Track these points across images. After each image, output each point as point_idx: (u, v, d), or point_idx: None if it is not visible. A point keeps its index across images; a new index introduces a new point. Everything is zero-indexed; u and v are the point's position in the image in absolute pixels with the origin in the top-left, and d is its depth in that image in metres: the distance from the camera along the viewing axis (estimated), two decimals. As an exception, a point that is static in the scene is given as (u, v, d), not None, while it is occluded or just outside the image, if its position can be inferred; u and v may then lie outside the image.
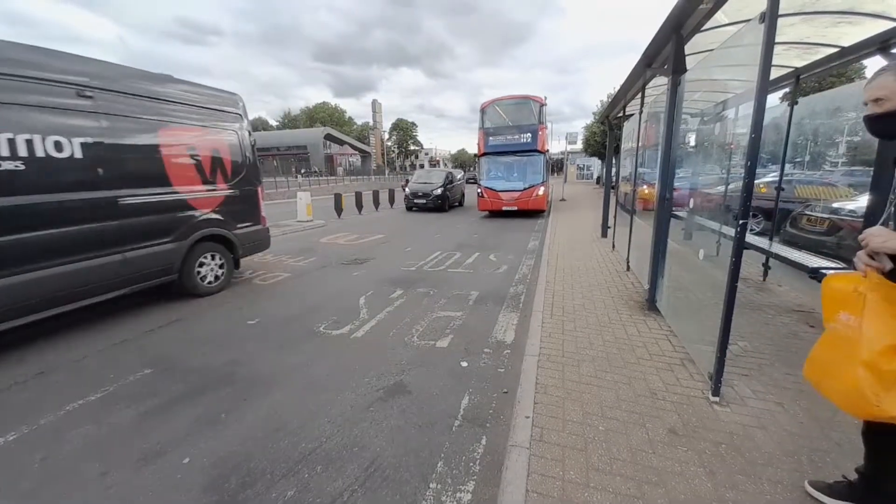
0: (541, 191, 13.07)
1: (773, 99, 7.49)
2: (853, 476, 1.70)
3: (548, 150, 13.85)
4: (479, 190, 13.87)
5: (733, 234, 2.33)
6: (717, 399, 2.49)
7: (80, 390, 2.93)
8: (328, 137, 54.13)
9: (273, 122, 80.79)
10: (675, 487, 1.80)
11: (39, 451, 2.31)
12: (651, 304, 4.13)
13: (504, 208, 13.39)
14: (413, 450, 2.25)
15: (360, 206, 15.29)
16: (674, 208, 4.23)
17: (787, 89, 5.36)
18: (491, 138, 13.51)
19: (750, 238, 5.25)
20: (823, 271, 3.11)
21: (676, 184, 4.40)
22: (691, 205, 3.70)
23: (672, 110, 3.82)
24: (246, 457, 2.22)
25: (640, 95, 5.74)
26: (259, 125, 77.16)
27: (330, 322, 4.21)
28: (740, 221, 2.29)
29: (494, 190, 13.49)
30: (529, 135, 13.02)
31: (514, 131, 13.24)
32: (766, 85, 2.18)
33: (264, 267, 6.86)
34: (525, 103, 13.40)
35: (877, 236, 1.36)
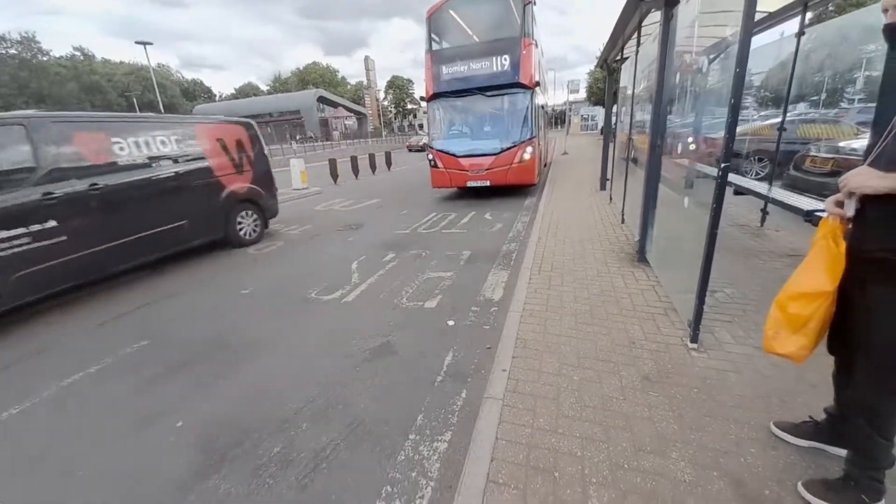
0: (527, 153, 8.25)
1: (780, 33, 6.95)
2: (821, 416, 1.73)
3: (538, 84, 8.43)
4: (429, 156, 8.98)
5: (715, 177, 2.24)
6: (695, 346, 2.51)
7: (79, 364, 3.05)
8: (321, 100, 52.38)
9: (264, 87, 78.05)
10: (641, 430, 1.86)
11: (42, 421, 2.45)
12: (641, 256, 4.09)
13: (470, 184, 8.64)
14: (396, 405, 2.33)
15: (356, 171, 15.03)
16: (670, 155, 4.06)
17: (795, 21, 4.94)
18: (445, 68, 8.45)
19: (750, 183, 5.09)
20: (818, 213, 3.03)
21: (672, 129, 4.20)
22: (679, 150, 3.54)
23: (664, 47, 3.57)
24: (236, 418, 2.33)
25: (636, 35, 5.35)
26: (250, 91, 74.65)
27: (321, 288, 4.25)
28: (722, 164, 2.19)
29: (453, 155, 8.64)
30: (507, 58, 7.99)
31: (481, 53, 8.22)
32: (752, 8, 1.99)
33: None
34: (499, 1, 8.13)
35: (857, 175, 1.28)
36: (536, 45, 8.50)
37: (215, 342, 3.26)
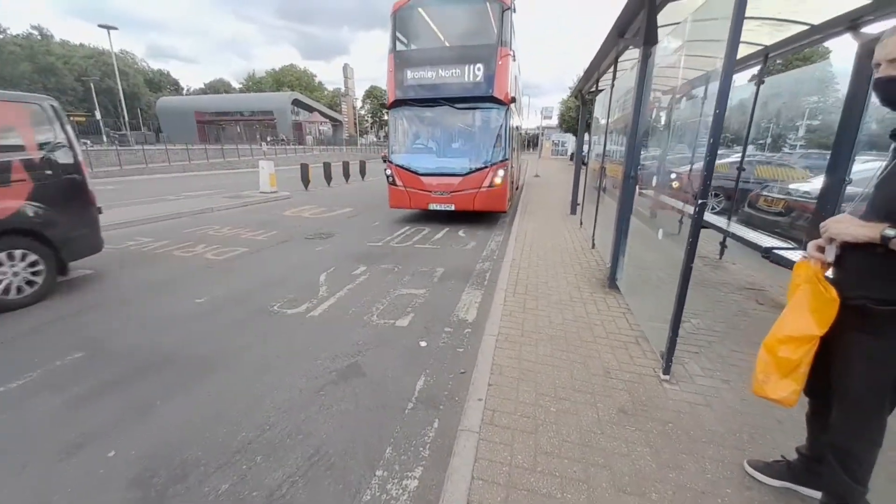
0: (499, 176, 7.39)
1: (740, 79, 7.54)
2: (793, 456, 1.75)
3: (513, 101, 7.65)
4: (387, 171, 7.87)
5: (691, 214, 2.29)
6: (667, 377, 2.52)
7: (-6, 378, 2.65)
8: (296, 103, 51.32)
9: (236, 85, 75.66)
10: (620, 469, 1.80)
11: (-62, 447, 2.07)
12: (612, 282, 4.16)
13: (433, 206, 7.65)
14: (362, 435, 2.15)
15: (328, 177, 14.68)
16: (639, 187, 4.21)
17: (754, 69, 5.36)
18: (410, 72, 7.35)
19: (709, 217, 5.37)
20: (776, 251, 3.20)
21: (644, 162, 4.37)
22: (654, 183, 3.67)
23: (642, 83, 3.71)
24: (179, 447, 2.07)
25: (612, 69, 5.60)
26: (221, 87, 72.06)
27: (286, 300, 4.00)
28: (699, 201, 2.25)
29: (414, 172, 7.61)
30: (480, 67, 7.01)
31: (452, 59, 7.19)
32: (733, 59, 2.08)
33: (218, 241, 6.46)
34: (474, 3, 7.22)
35: (838, 222, 1.31)
36: (514, 58, 7.62)
37: (162, 356, 2.95)
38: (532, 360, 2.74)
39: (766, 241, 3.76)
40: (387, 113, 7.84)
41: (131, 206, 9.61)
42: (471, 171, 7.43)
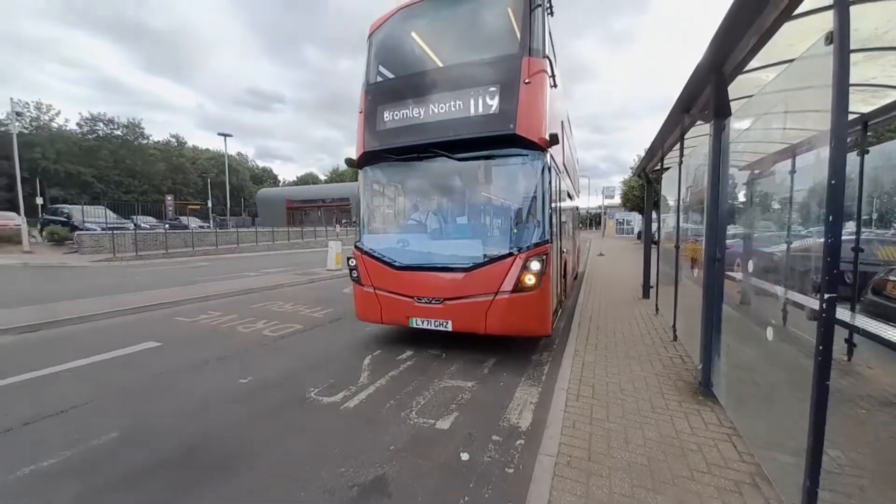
0: (532, 270, 4.13)
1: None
2: None
3: (553, 143, 4.32)
4: (350, 262, 5.10)
5: (817, 311, 1.72)
6: (814, 551, 1.72)
7: (24, 459, 2.62)
8: (370, 190, 56.93)
9: (322, 177, 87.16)
10: None
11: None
12: (706, 389, 3.35)
13: (416, 323, 4.61)
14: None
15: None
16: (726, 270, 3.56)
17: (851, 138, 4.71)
18: (389, 112, 4.76)
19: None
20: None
21: (728, 242, 3.77)
22: (750, 268, 3.03)
23: (718, 158, 3.33)
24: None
25: (678, 146, 5.29)
26: (309, 179, 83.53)
27: (324, 386, 3.76)
28: (826, 295, 1.69)
29: (388, 265, 4.75)
30: (494, 91, 4.22)
31: (448, 83, 4.50)
32: (845, 117, 1.68)
33: (279, 317, 6.65)
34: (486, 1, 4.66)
35: None
36: (553, 78, 4.72)
37: (186, 446, 2.76)
38: (603, 499, 2.08)
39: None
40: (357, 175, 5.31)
41: (216, 280, 10.60)
42: (479, 265, 4.33)
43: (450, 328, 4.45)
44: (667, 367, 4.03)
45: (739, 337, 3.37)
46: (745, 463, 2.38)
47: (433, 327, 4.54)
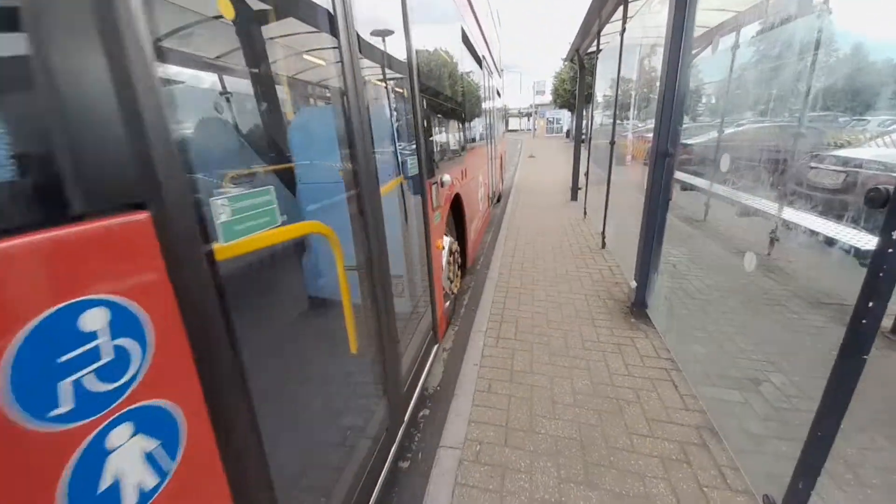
0: None
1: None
2: None
3: None
4: None
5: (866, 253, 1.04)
6: (785, 549, 1.30)
7: None
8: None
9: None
10: None
11: None
12: (638, 309, 2.92)
13: None
14: None
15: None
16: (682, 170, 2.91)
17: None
18: None
19: (754, 201, 4.09)
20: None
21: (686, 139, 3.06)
22: (724, 167, 2.33)
23: (682, 16, 2.39)
24: None
25: (622, 10, 4.23)
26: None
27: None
28: None
29: None
30: None
31: None
32: None
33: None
34: None
35: None
36: None
37: None
38: (524, 495, 1.52)
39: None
40: None
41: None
42: None
43: None
44: (596, 283, 3.58)
45: (681, 247, 2.91)
46: (689, 411, 1.96)
47: None
